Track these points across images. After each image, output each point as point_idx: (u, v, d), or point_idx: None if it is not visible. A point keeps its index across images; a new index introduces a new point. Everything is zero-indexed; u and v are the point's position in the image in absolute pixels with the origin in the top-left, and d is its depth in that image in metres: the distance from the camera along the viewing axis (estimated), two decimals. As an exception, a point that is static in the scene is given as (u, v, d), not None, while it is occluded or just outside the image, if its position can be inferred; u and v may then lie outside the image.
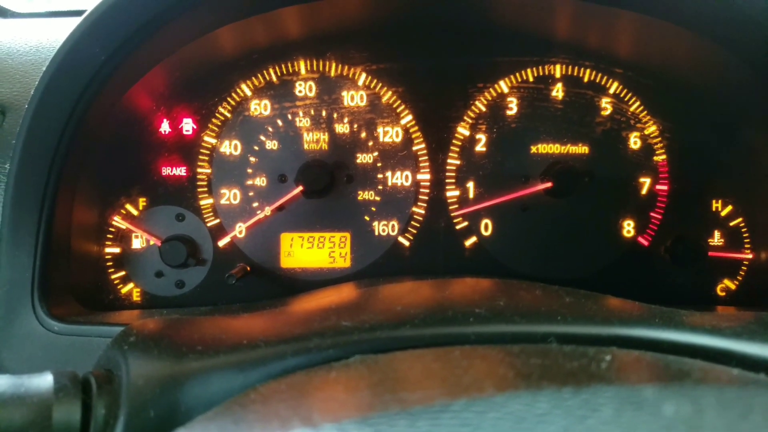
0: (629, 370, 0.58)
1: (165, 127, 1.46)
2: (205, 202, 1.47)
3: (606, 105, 1.49)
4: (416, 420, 0.44)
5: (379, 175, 1.49)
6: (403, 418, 0.44)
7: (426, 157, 1.49)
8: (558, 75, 1.48)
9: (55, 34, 1.43)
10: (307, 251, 1.49)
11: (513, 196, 1.47)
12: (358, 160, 1.48)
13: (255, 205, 1.48)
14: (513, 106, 1.49)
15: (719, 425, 0.42)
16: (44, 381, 0.67)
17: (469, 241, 1.51)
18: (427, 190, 1.49)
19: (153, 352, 0.71)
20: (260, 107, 1.47)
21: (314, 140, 1.47)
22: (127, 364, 0.69)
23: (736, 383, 0.54)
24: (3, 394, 0.64)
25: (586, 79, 1.48)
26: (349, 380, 0.61)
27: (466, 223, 1.50)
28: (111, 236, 1.45)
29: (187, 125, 1.46)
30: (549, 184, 1.45)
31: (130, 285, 1.47)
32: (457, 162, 1.49)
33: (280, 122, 1.47)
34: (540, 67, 1.48)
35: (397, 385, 0.55)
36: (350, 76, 1.47)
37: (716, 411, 0.44)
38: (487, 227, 1.50)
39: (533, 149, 1.49)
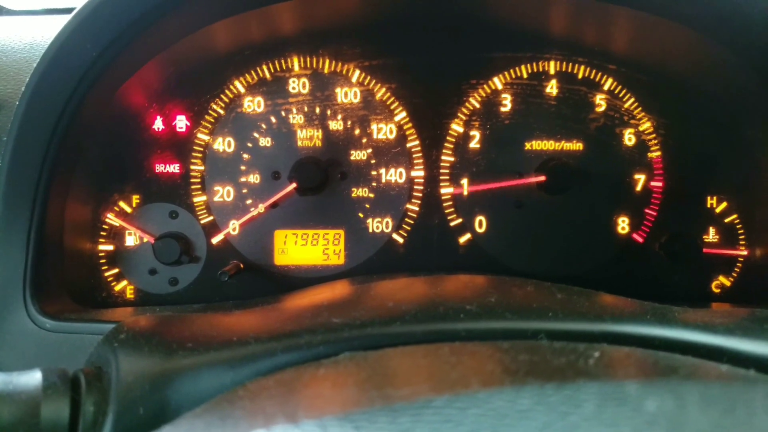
0: (617, 366, 0.58)
1: (158, 123, 1.46)
2: (199, 199, 1.47)
3: (600, 101, 1.48)
4: (398, 416, 0.44)
5: (373, 172, 1.48)
6: (385, 414, 0.44)
7: (420, 154, 1.49)
8: (552, 71, 1.48)
9: (51, 32, 1.42)
10: (301, 248, 1.49)
11: (507, 183, 1.47)
12: (352, 157, 1.48)
13: (248, 202, 1.48)
14: (507, 103, 1.49)
15: (702, 421, 0.42)
16: (33, 378, 0.67)
17: (464, 238, 1.50)
18: (421, 187, 1.49)
19: (143, 349, 0.71)
20: (253, 104, 1.47)
21: (308, 137, 1.47)
22: (117, 361, 0.69)
23: (722, 379, 0.54)
24: (-9, 390, 0.64)
25: (580, 76, 1.48)
26: (337, 377, 0.61)
27: (460, 220, 1.50)
28: (104, 233, 1.45)
29: (181, 122, 1.46)
30: (542, 178, 1.44)
31: (124, 282, 1.46)
32: (451, 159, 1.49)
33: (273, 119, 1.47)
34: (534, 64, 1.48)
35: (383, 382, 0.55)
36: (343, 72, 1.47)
37: (700, 406, 0.44)
38: (481, 224, 1.50)
39: (527, 146, 1.49)
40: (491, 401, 0.45)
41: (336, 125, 1.47)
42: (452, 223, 1.50)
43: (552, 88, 1.48)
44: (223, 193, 1.47)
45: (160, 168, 1.46)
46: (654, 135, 1.49)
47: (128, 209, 1.46)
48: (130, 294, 1.47)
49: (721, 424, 0.42)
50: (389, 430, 0.42)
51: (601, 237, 1.50)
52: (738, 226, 1.50)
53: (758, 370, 0.60)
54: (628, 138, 1.49)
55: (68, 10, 1.58)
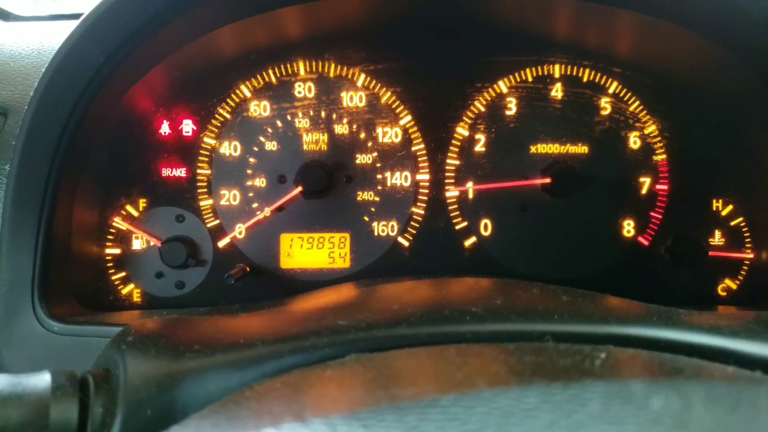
0: (622, 367, 0.58)
1: (165, 128, 1.46)
2: (205, 203, 1.48)
3: (605, 105, 1.48)
4: (404, 415, 0.44)
5: (379, 176, 1.49)
6: (392, 413, 0.44)
7: (425, 158, 1.49)
8: (557, 75, 1.48)
9: (58, 37, 1.43)
10: (307, 252, 1.49)
11: (512, 184, 1.47)
12: (358, 161, 1.48)
13: (255, 205, 1.48)
14: (512, 106, 1.49)
15: (706, 419, 0.42)
16: (42, 380, 0.67)
17: (469, 241, 1.51)
18: (427, 191, 1.49)
19: (150, 351, 0.72)
20: (259, 108, 1.47)
21: (313, 141, 1.48)
22: (125, 363, 0.69)
23: (727, 379, 0.54)
24: (1, 392, 0.64)
25: (585, 79, 1.48)
26: (343, 378, 0.61)
27: (465, 223, 1.50)
28: (111, 237, 1.46)
29: (187, 126, 1.47)
30: (547, 180, 1.45)
31: (131, 286, 1.47)
32: (456, 162, 1.49)
33: (279, 123, 1.48)
34: (539, 67, 1.48)
35: (390, 382, 0.55)
36: (349, 76, 1.48)
37: (704, 405, 0.44)
38: (486, 227, 1.50)
39: (532, 149, 1.49)
40: (497, 400, 0.45)
41: (341, 129, 1.48)
42: (457, 227, 1.50)
43: (557, 91, 1.49)
44: (230, 196, 1.48)
45: (166, 172, 1.47)
46: (659, 138, 1.49)
47: (135, 213, 1.46)
48: (137, 297, 1.48)
49: (725, 422, 0.42)
50: (396, 428, 0.42)
51: (606, 240, 1.50)
52: (744, 229, 1.50)
53: (764, 372, 0.60)
54: (633, 141, 1.49)
55: (75, 16, 1.60)
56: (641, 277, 1.50)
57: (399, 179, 1.49)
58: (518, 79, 1.49)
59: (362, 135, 1.48)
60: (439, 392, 0.48)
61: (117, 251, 1.46)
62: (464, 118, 1.49)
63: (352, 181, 1.49)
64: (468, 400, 0.45)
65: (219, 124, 1.47)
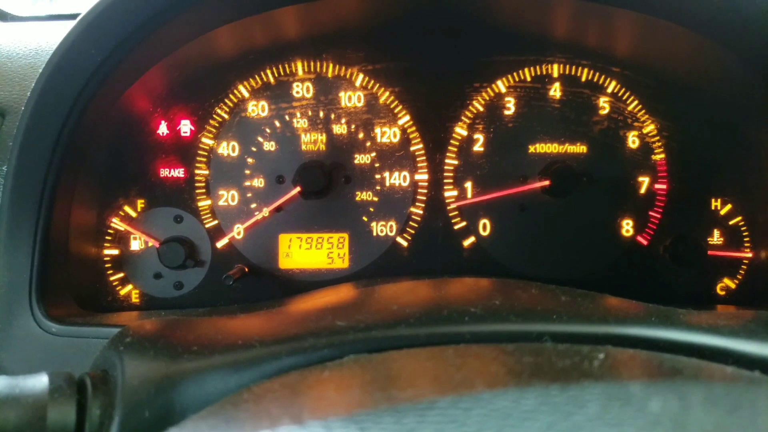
0: (621, 367, 0.58)
1: (163, 128, 1.46)
2: (203, 203, 1.48)
3: (604, 104, 1.48)
4: (402, 417, 0.44)
5: (377, 176, 1.49)
6: (390, 415, 0.44)
7: (424, 158, 1.49)
8: (555, 74, 1.48)
9: (55, 38, 1.42)
10: (306, 252, 1.49)
11: (511, 191, 1.47)
12: (356, 161, 1.48)
13: (253, 206, 1.48)
14: (510, 106, 1.49)
15: (706, 421, 0.42)
16: (39, 382, 0.67)
17: (468, 241, 1.51)
18: (425, 191, 1.49)
19: (149, 353, 0.72)
20: (258, 108, 1.47)
21: (312, 141, 1.47)
22: (123, 365, 0.69)
23: (726, 380, 0.54)
24: (-2, 394, 0.64)
25: (583, 79, 1.48)
26: (341, 379, 0.61)
27: (464, 223, 1.50)
28: (109, 238, 1.46)
29: (185, 126, 1.47)
30: (546, 182, 1.45)
31: (129, 286, 1.47)
32: (455, 162, 1.49)
33: (277, 123, 1.47)
34: (537, 67, 1.48)
35: (388, 384, 0.55)
36: (347, 76, 1.47)
37: (703, 407, 0.44)
38: (485, 227, 1.50)
39: (531, 149, 1.49)
40: (495, 402, 0.45)
41: (340, 129, 1.48)
42: (456, 227, 1.50)
43: (555, 90, 1.48)
44: (228, 197, 1.48)
45: (164, 172, 1.47)
46: (658, 137, 1.49)
47: (133, 214, 1.46)
48: (135, 298, 1.47)
49: (724, 423, 0.42)
50: (394, 430, 0.42)
51: (605, 240, 1.50)
52: (743, 228, 1.50)
53: (763, 371, 0.60)
54: (632, 141, 1.49)
55: (73, 16, 1.59)
56: (640, 276, 1.50)
57: (398, 179, 1.49)
58: (517, 79, 1.48)
59: (361, 135, 1.48)
60: (437, 394, 0.48)
61: (115, 252, 1.46)
62: (463, 117, 1.49)
63: (350, 182, 1.49)
64: (466, 401, 0.45)
65: (217, 125, 1.47)
